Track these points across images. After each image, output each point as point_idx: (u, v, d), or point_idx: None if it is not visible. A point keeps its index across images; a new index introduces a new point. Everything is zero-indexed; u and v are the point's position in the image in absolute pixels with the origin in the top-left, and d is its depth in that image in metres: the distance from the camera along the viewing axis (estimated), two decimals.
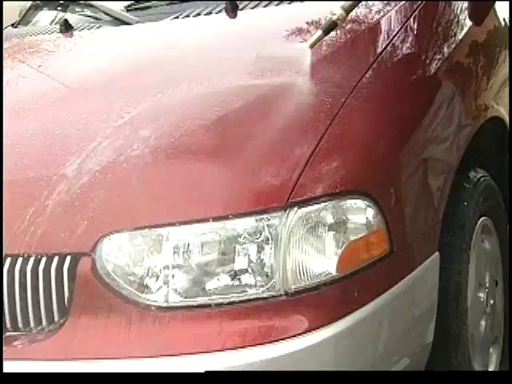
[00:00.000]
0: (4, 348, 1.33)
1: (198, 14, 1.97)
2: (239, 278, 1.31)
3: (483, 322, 1.77)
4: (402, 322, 1.47)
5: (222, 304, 1.30)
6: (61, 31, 2.13)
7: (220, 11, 1.94)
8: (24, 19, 2.41)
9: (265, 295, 1.31)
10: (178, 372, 1.26)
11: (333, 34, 1.71)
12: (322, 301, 1.33)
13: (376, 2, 1.81)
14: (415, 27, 1.76)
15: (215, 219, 1.31)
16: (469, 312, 1.66)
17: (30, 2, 2.42)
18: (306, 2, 1.90)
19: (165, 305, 1.31)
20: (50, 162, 1.46)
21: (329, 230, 1.34)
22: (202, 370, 1.25)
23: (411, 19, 1.75)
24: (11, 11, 2.58)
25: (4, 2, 2.53)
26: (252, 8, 1.93)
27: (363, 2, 1.75)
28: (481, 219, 1.75)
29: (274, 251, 1.31)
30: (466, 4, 1.86)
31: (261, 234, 1.31)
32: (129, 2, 2.15)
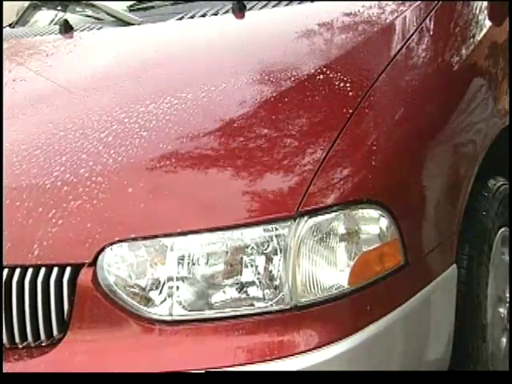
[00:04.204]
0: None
1: (204, 15, 1.99)
2: (246, 291, 1.33)
3: (504, 339, 1.78)
4: (417, 338, 1.48)
5: (228, 318, 1.32)
6: (60, 32, 2.16)
7: (227, 11, 1.96)
8: (22, 19, 2.44)
9: (273, 309, 1.32)
10: (177, 372, 1.28)
11: (346, 35, 1.73)
12: (333, 315, 1.34)
13: (390, 2, 1.83)
14: (431, 28, 1.78)
15: (222, 229, 1.33)
16: (488, 328, 1.67)
17: (29, 2, 2.45)
18: (316, 3, 1.92)
19: (169, 318, 1.33)
20: (48, 169, 1.47)
21: (340, 241, 1.36)
22: None
23: (427, 20, 1.76)
24: (8, 11, 2.60)
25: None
26: (260, 8, 1.95)
27: (377, 3, 1.77)
28: (501, 230, 1.76)
29: (282, 263, 1.33)
30: (485, 3, 1.88)
31: (269, 244, 1.33)
32: (131, 2, 2.18)
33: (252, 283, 1.33)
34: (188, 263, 1.33)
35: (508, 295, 1.80)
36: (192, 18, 2.00)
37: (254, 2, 1.97)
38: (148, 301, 1.34)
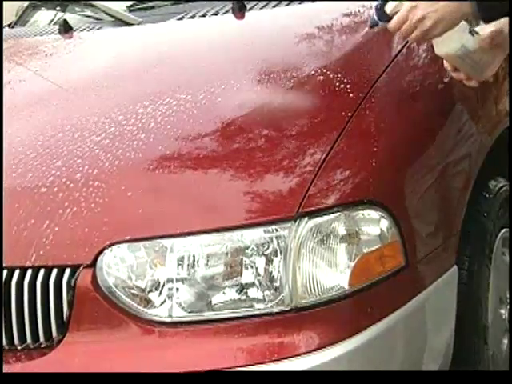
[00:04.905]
0: None
1: (204, 15, 1.99)
2: (246, 292, 1.33)
3: (505, 341, 1.78)
4: (417, 340, 1.49)
5: (228, 319, 1.33)
6: (60, 32, 2.16)
7: (227, 12, 1.97)
8: (21, 19, 2.44)
9: (273, 310, 1.33)
10: (177, 372, 1.28)
11: (346, 35, 1.73)
12: (334, 316, 1.35)
13: None
14: None
15: (222, 230, 1.33)
16: (490, 330, 1.68)
17: (28, 2, 2.45)
18: (317, 2, 1.92)
19: (168, 320, 1.34)
20: (47, 171, 1.48)
21: (341, 242, 1.36)
22: None
23: None
24: (8, 11, 2.61)
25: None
26: (260, 8, 1.95)
27: (376, 3, 1.77)
28: (502, 231, 1.77)
29: (283, 264, 1.33)
30: None
31: (269, 245, 1.33)
32: (131, 2, 2.18)
33: (252, 284, 1.33)
34: (188, 264, 1.34)
35: (509, 296, 1.80)
36: (192, 18, 2.00)
37: (255, 2, 1.97)
38: (148, 302, 1.35)
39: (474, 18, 1.39)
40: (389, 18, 1.43)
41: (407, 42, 1.65)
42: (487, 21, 1.40)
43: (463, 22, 1.42)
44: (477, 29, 1.46)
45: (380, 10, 1.43)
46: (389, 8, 1.42)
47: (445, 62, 1.53)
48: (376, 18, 1.44)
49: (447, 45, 1.46)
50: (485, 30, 1.46)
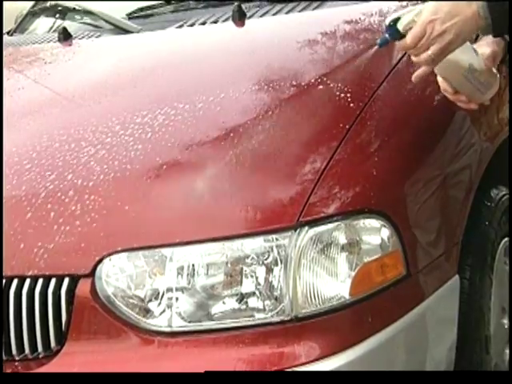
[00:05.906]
0: None
1: (204, 23, 2.00)
2: (246, 302, 1.34)
3: (508, 351, 1.78)
4: (419, 351, 1.49)
5: (228, 329, 1.33)
6: (59, 40, 2.17)
7: (227, 19, 1.98)
8: (20, 27, 2.45)
9: (273, 320, 1.33)
10: (177, 372, 1.29)
11: (346, 44, 1.74)
12: (334, 326, 1.35)
13: (392, 9, 1.84)
14: None
15: (221, 239, 1.34)
16: (492, 340, 1.68)
17: (29, 4, 2.46)
18: (317, 11, 1.94)
19: (168, 330, 1.34)
20: (44, 179, 1.48)
21: (341, 251, 1.37)
22: None
23: None
24: (6, 19, 2.62)
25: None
26: (260, 16, 1.96)
27: (377, 10, 1.79)
28: (504, 240, 1.77)
29: (283, 273, 1.33)
30: None
31: (270, 255, 1.34)
32: (131, 8, 2.19)
33: (252, 294, 1.34)
34: (187, 274, 1.34)
35: None
36: (192, 26, 2.01)
37: (255, 10, 1.98)
38: (147, 312, 1.35)
39: (485, 32, 1.37)
40: (401, 36, 1.38)
41: None
42: (497, 35, 1.39)
43: (467, 42, 1.39)
44: (474, 47, 1.44)
45: (392, 28, 1.38)
46: (401, 25, 1.37)
47: (442, 84, 1.50)
48: (387, 35, 1.39)
49: (454, 65, 1.41)
50: (480, 49, 1.45)
